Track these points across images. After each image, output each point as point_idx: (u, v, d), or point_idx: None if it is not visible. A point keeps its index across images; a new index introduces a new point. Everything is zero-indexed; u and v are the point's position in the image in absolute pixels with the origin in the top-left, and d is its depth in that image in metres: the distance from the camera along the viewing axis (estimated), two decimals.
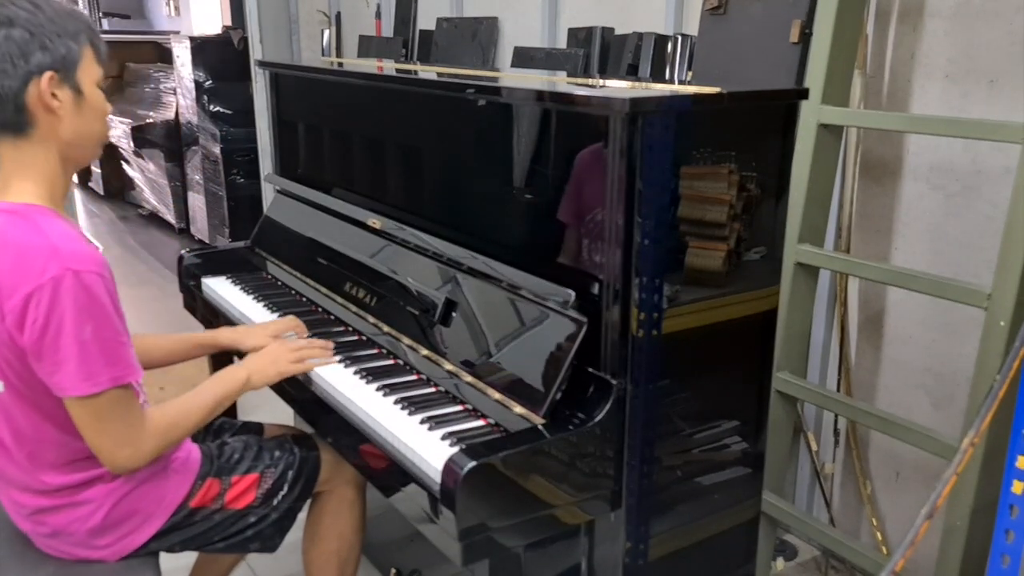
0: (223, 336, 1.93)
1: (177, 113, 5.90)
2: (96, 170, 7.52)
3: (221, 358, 2.33)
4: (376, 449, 1.52)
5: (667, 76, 2.61)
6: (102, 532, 1.51)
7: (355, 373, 1.71)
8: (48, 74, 1.36)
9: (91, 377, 1.35)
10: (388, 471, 1.50)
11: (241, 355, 2.14)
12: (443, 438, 1.46)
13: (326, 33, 4.72)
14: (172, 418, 1.50)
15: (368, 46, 4.21)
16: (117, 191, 7.49)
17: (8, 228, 1.37)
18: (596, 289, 1.43)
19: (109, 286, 1.37)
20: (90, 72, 1.42)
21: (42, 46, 1.35)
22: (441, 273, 1.76)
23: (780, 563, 2.41)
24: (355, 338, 1.90)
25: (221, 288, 2.26)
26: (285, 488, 1.68)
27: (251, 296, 2.18)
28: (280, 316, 2.02)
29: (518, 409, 1.46)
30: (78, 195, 7.30)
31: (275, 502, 1.67)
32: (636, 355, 1.42)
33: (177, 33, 6.93)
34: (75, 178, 6.10)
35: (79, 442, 1.43)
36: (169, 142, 5.97)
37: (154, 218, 6.48)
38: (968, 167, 2.06)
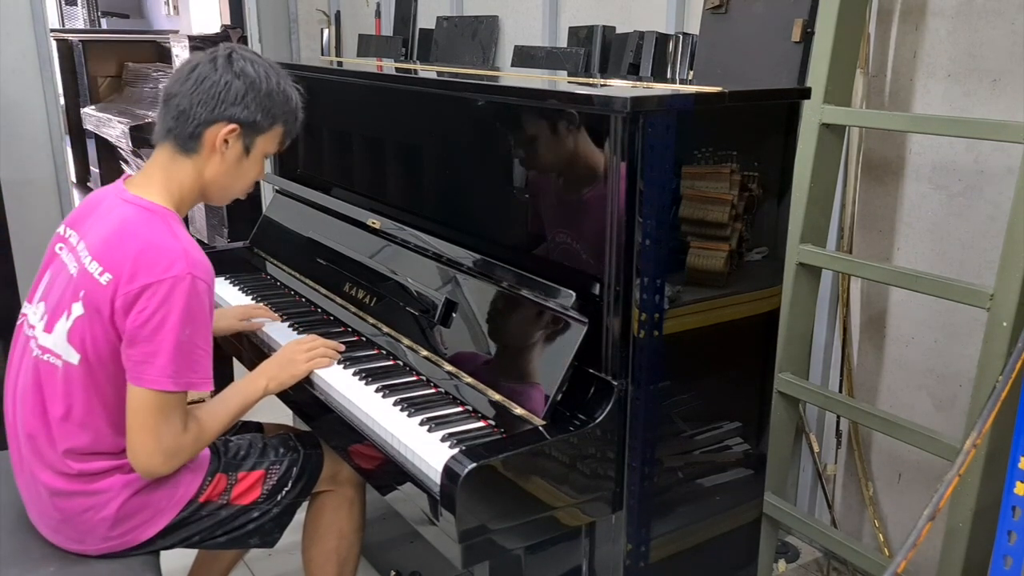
0: None
1: None
2: (95, 169, 7.51)
3: (219, 355, 2.32)
4: (375, 451, 1.52)
5: (668, 75, 2.60)
6: (114, 523, 1.53)
7: (354, 374, 1.70)
8: (233, 125, 1.54)
9: (176, 375, 1.44)
10: (387, 472, 1.49)
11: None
12: (443, 439, 1.45)
13: (325, 32, 4.71)
14: (202, 429, 1.55)
15: (368, 45, 4.21)
16: None
17: (142, 222, 1.49)
18: (597, 290, 1.43)
19: (212, 299, 1.50)
20: (267, 145, 1.61)
21: (245, 106, 1.54)
22: (441, 273, 1.75)
23: (782, 565, 2.40)
24: (354, 339, 1.89)
25: (220, 289, 2.25)
26: (289, 484, 1.70)
27: (250, 297, 2.17)
28: (285, 320, 2.01)
29: (518, 410, 1.45)
30: (76, 194, 7.29)
31: (278, 498, 1.69)
32: (637, 356, 1.41)
33: (176, 33, 6.92)
34: (72, 177, 6.09)
35: (118, 438, 1.50)
36: None
37: None
38: (970, 167, 2.05)
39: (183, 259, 1.44)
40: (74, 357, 1.48)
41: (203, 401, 1.63)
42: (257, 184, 1.72)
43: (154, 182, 1.56)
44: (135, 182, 1.57)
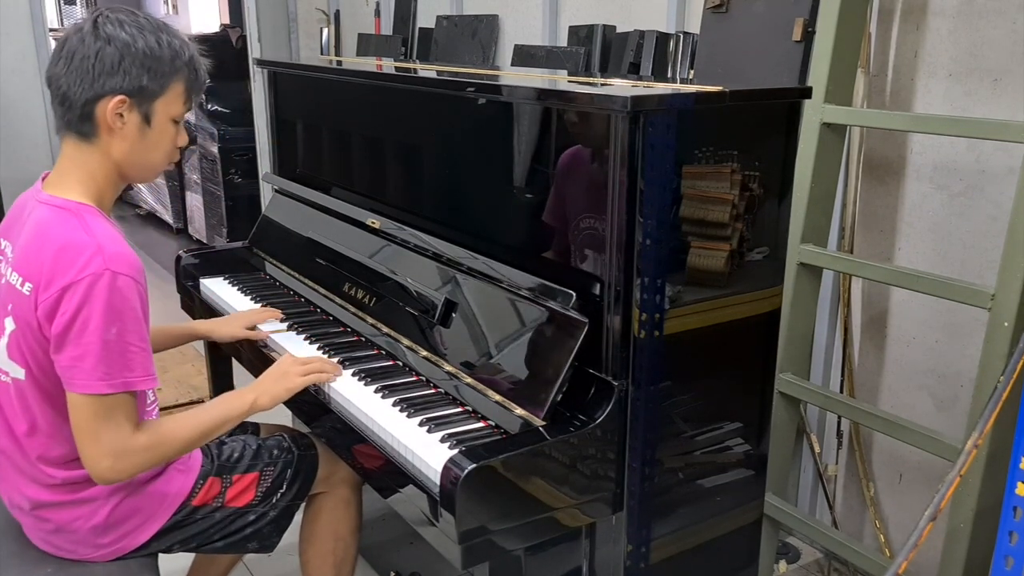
0: (199, 327, 2.00)
1: None
2: None
3: (218, 355, 2.32)
4: (375, 451, 1.51)
5: (669, 74, 2.60)
6: (105, 530, 1.51)
7: (354, 375, 1.70)
8: (119, 97, 1.41)
9: (108, 377, 1.36)
10: (387, 473, 1.49)
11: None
12: (443, 440, 1.44)
13: (325, 31, 4.71)
14: (163, 436, 1.46)
15: (367, 44, 4.20)
16: None
17: (56, 223, 1.41)
18: (597, 289, 1.42)
19: (142, 293, 1.41)
20: (170, 108, 1.47)
21: (125, 71, 1.41)
22: (441, 273, 1.74)
23: (783, 566, 2.40)
24: (354, 339, 1.88)
25: (219, 289, 2.25)
26: (284, 486, 1.69)
27: (249, 297, 2.17)
28: (285, 320, 2.01)
29: (518, 411, 1.45)
30: None
31: (274, 500, 1.68)
32: (638, 356, 1.40)
33: None
34: None
35: None
36: None
37: (152, 218, 6.46)
38: (972, 167, 2.05)
39: (98, 255, 1.35)
40: (19, 372, 1.43)
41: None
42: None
43: (67, 177, 1.46)
44: (51, 181, 1.49)
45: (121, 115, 1.43)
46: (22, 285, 1.40)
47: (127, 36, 1.41)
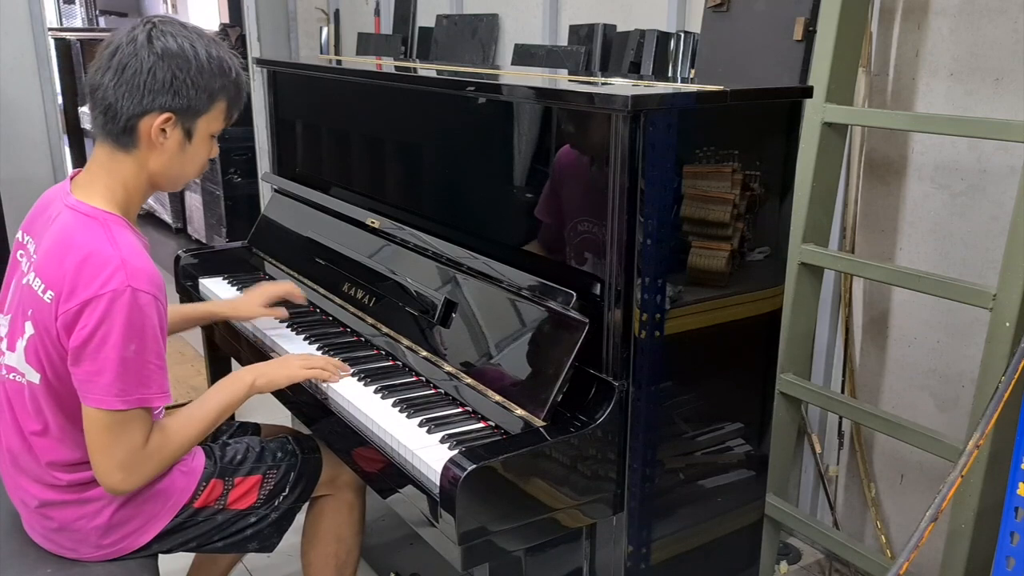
0: (218, 308, 2.00)
1: None
2: None
3: (217, 355, 2.32)
4: (375, 452, 1.51)
5: (670, 74, 2.60)
6: (107, 531, 1.51)
7: (353, 375, 1.69)
8: (166, 115, 1.43)
9: (124, 393, 1.37)
10: (387, 474, 1.48)
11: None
12: (442, 440, 1.44)
13: (324, 31, 4.70)
14: (169, 438, 1.48)
15: (367, 44, 4.20)
16: None
17: (80, 231, 1.41)
18: (598, 290, 1.42)
19: (161, 310, 1.41)
20: (211, 124, 1.50)
21: (175, 91, 1.42)
22: (440, 273, 1.74)
23: (784, 567, 2.39)
24: (353, 339, 1.88)
25: (218, 289, 2.25)
26: (287, 489, 1.68)
27: None
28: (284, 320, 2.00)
29: (519, 411, 1.44)
30: None
31: (276, 503, 1.67)
32: (638, 356, 1.40)
33: None
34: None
35: None
36: None
37: (151, 217, 6.45)
38: (973, 166, 2.04)
39: (121, 271, 1.35)
40: (35, 376, 1.44)
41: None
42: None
43: (97, 183, 1.46)
44: (80, 183, 1.49)
45: (164, 131, 1.44)
46: (44, 292, 1.40)
47: (180, 53, 1.42)
